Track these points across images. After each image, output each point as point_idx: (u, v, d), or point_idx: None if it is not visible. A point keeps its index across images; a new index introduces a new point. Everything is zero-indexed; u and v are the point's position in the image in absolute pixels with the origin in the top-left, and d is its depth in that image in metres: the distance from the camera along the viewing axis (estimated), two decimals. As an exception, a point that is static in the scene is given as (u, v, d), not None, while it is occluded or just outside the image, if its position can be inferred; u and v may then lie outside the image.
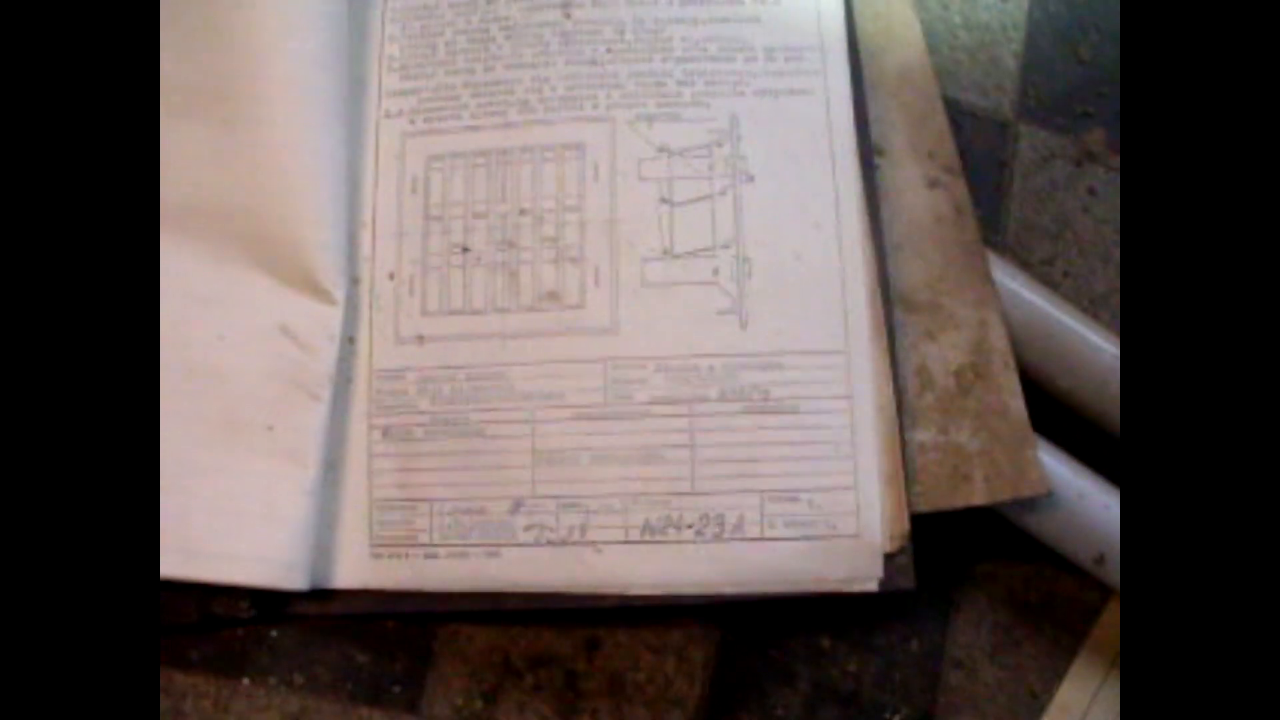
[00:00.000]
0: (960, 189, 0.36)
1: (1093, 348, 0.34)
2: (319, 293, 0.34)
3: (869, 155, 0.36)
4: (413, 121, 0.36)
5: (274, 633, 0.35)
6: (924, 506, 0.33)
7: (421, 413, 0.34)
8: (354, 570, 0.34)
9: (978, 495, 0.33)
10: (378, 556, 0.34)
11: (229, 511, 0.33)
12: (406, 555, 0.34)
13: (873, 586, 0.32)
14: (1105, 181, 0.38)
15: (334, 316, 0.34)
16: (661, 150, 0.35)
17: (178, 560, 0.33)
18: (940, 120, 0.37)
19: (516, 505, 0.33)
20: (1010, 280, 0.35)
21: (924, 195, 0.36)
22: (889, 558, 0.33)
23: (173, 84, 0.35)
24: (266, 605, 0.34)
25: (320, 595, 0.34)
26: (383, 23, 0.38)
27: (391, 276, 0.35)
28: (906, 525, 0.33)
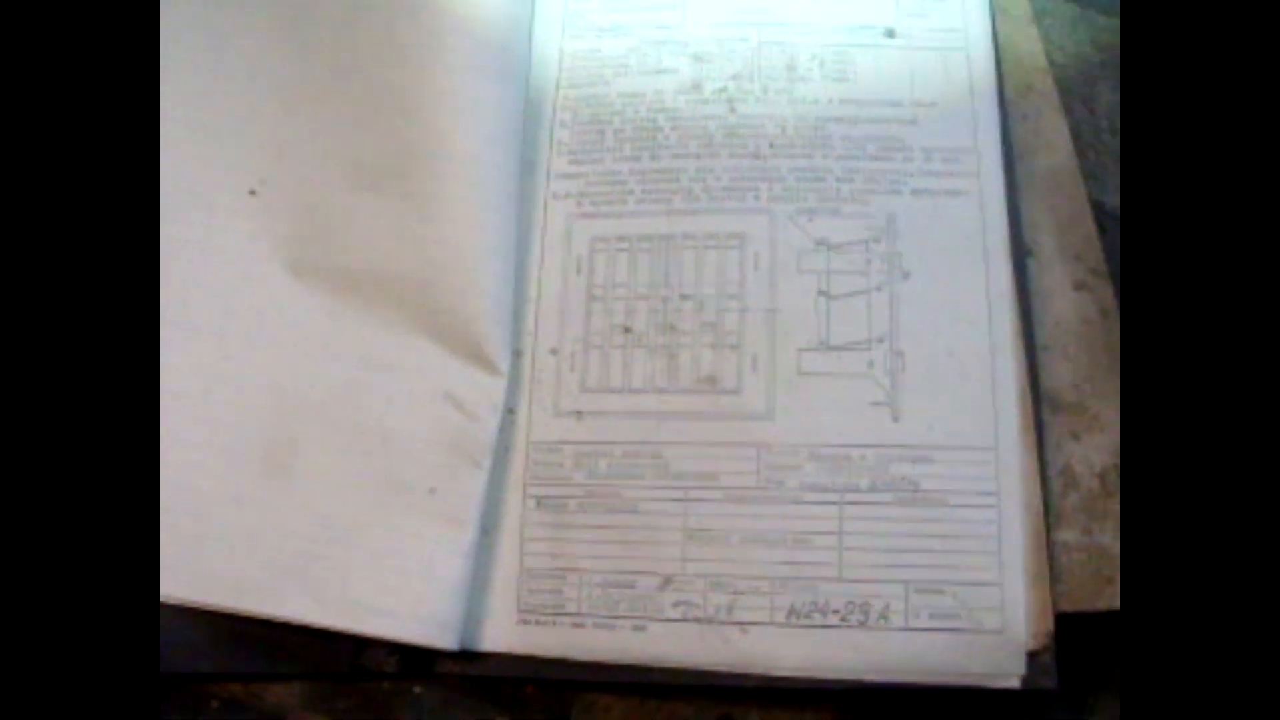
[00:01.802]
0: (1106, 292, 0.38)
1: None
2: (485, 363, 0.37)
3: (1020, 256, 0.38)
4: (580, 204, 0.39)
5: (418, 689, 0.37)
6: (1067, 607, 0.34)
7: (576, 485, 0.37)
8: (500, 634, 0.36)
9: (1120, 599, 0.35)
10: (525, 622, 0.36)
11: (389, 569, 0.35)
12: (553, 623, 0.36)
13: (1015, 684, 0.34)
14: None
15: (498, 387, 0.37)
16: (820, 244, 0.38)
17: (337, 612, 0.35)
18: (1087, 224, 0.39)
19: (666, 582, 0.35)
20: (1155, 384, 0.37)
21: (1071, 297, 0.38)
22: (1032, 656, 0.34)
23: (362, 160, 0.38)
24: (413, 662, 0.36)
25: (466, 656, 0.36)
26: (554, 109, 0.41)
27: (553, 352, 0.38)
28: (1050, 624, 0.34)
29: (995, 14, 0.41)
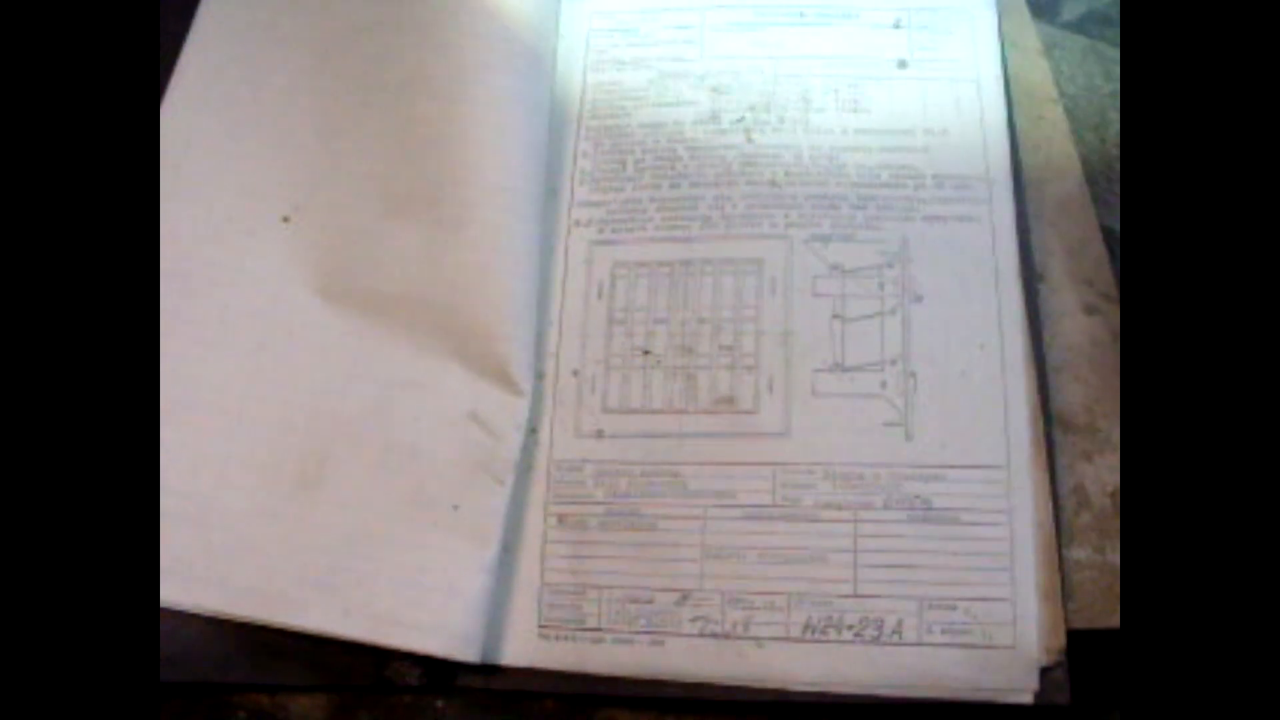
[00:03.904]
0: (1117, 316, 0.39)
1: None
2: (508, 384, 0.39)
3: (1031, 280, 0.39)
4: (600, 231, 0.42)
5: (440, 703, 0.38)
6: (1079, 624, 0.36)
7: (597, 503, 0.38)
8: (521, 649, 0.37)
9: (1121, 617, 0.35)
10: (545, 637, 0.37)
11: (413, 582, 0.37)
12: (573, 638, 0.37)
13: (1027, 699, 0.35)
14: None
15: (521, 407, 0.39)
16: (835, 269, 0.40)
17: (362, 624, 0.36)
18: (1098, 249, 0.41)
19: (683, 597, 0.37)
20: (1166, 407, 0.38)
21: (1082, 321, 0.40)
22: (1045, 671, 0.35)
23: (391, 188, 0.41)
24: (436, 675, 0.37)
25: (487, 670, 0.37)
26: (577, 139, 0.43)
27: (575, 373, 0.40)
28: (1063, 641, 0.35)
29: (1006, 46, 0.43)
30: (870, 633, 0.36)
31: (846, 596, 0.36)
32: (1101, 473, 0.38)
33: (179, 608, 0.37)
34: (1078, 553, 0.37)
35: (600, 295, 0.41)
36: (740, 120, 0.42)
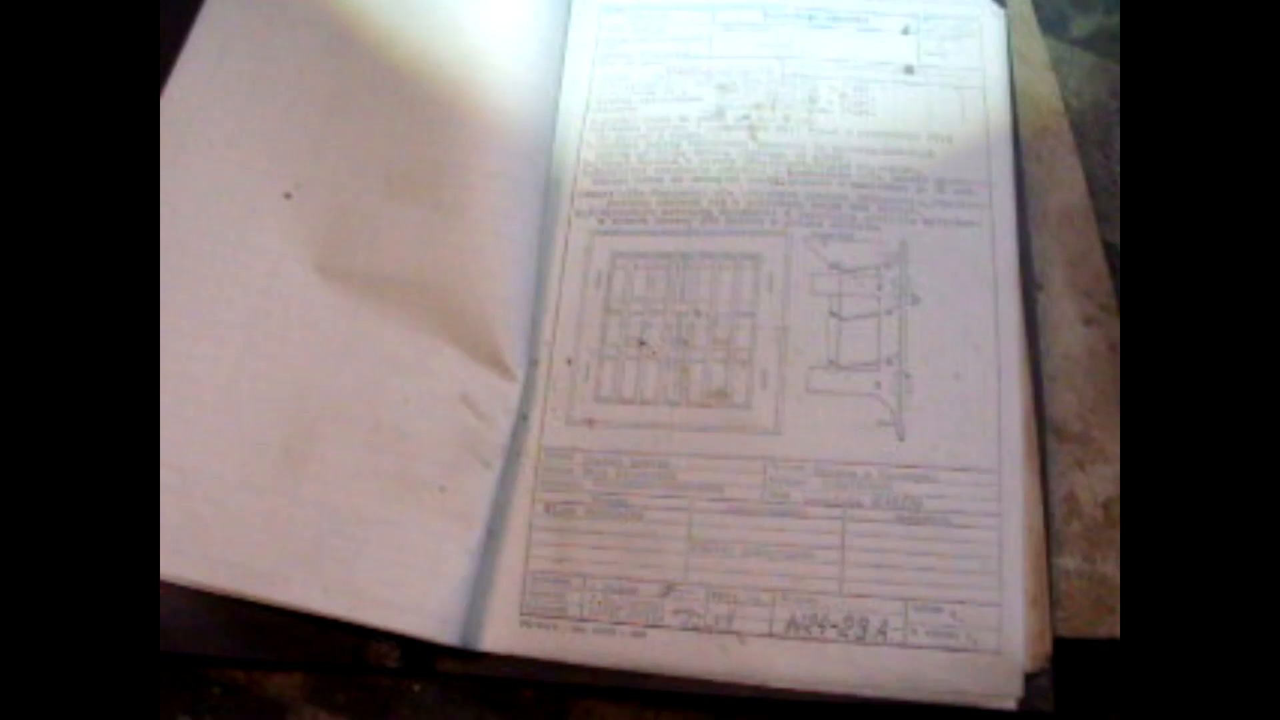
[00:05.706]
0: (1115, 327, 0.40)
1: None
2: (501, 369, 0.39)
3: (1029, 288, 0.40)
4: (601, 221, 0.42)
5: (417, 687, 0.38)
6: (1066, 632, 0.36)
7: (584, 492, 0.38)
8: (502, 635, 0.37)
9: (1120, 628, 0.36)
10: (526, 625, 0.37)
11: (395, 562, 0.37)
12: (554, 626, 0.37)
13: (1011, 705, 0.35)
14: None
15: (513, 392, 0.39)
16: (833, 267, 0.40)
17: (341, 601, 0.36)
18: (1098, 261, 0.41)
19: (667, 589, 0.37)
20: (1161, 421, 0.38)
21: (1079, 331, 0.40)
22: (1029, 677, 0.35)
23: (394, 169, 0.41)
24: (414, 659, 0.37)
25: (466, 655, 0.37)
26: (582, 131, 0.44)
27: (569, 362, 0.40)
28: (1049, 648, 0.35)
29: (1014, 59, 0.44)
30: (855, 632, 0.36)
31: (831, 594, 0.36)
32: (1094, 482, 0.38)
33: (160, 578, 0.37)
34: (1067, 561, 0.37)
35: (598, 285, 0.41)
36: (745, 118, 0.43)
